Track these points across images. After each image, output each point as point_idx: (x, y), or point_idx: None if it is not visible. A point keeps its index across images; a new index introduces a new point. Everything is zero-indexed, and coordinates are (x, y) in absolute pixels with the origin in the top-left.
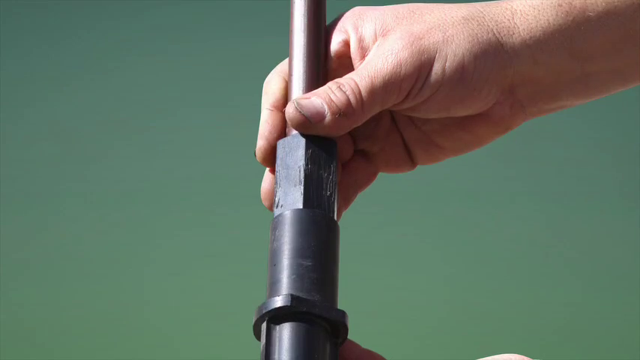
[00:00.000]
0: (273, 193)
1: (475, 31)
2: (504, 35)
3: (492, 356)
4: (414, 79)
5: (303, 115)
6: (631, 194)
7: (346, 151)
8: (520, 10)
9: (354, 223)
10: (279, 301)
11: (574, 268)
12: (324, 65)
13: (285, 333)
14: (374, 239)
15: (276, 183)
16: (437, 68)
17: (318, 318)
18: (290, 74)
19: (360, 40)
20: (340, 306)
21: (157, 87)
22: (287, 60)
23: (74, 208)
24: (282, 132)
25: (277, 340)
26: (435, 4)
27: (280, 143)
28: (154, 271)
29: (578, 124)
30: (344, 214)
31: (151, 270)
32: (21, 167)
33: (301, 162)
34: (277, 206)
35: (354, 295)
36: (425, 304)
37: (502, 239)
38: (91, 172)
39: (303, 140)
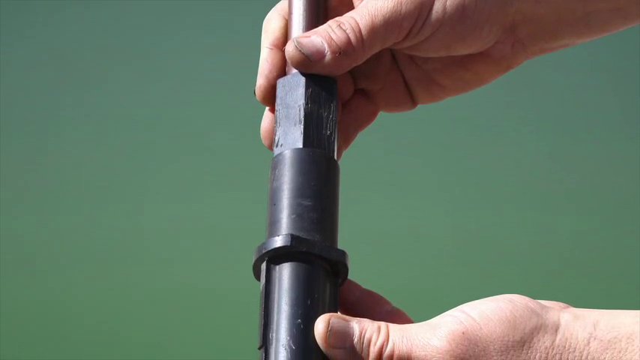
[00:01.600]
0: (272, 132)
1: None
2: None
3: (494, 296)
4: (415, 17)
5: (303, 53)
6: (632, 121)
7: (346, 90)
8: None
9: (354, 151)
10: (278, 241)
11: (575, 195)
12: (324, 4)
13: (284, 273)
14: (374, 167)
15: (275, 122)
16: (437, 6)
17: (318, 258)
18: (290, 12)
19: None
20: (340, 235)
21: (157, 12)
22: None
23: (73, 133)
24: (282, 71)
25: (277, 280)
26: None
27: (280, 82)
28: (154, 197)
29: (579, 51)
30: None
31: (151, 195)
32: (20, 93)
33: (301, 101)
34: (277, 145)
35: (354, 224)
36: (425, 233)
37: (503, 167)
38: (90, 98)
39: (303, 79)
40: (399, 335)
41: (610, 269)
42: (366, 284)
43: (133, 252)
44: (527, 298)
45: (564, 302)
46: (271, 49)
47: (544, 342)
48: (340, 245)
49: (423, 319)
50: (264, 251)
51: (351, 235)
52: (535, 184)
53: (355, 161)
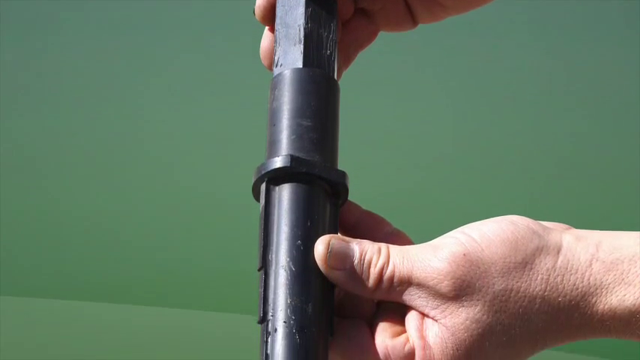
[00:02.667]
0: (272, 52)
1: None
2: None
3: (495, 218)
4: None
5: None
6: (633, 22)
7: (346, 9)
8: None
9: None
10: (278, 162)
11: (577, 97)
12: None
13: (284, 194)
14: (374, 70)
15: (275, 42)
16: None
17: (317, 179)
18: None
19: None
20: (341, 139)
21: None
22: None
23: (73, 35)
24: None
25: (277, 201)
26: None
27: (280, 1)
28: (154, 99)
29: None
30: None
31: (151, 98)
32: None
33: (301, 20)
34: (277, 65)
35: (354, 127)
36: (426, 134)
37: (504, 68)
38: None
39: None
40: (399, 257)
41: (611, 171)
42: (366, 188)
43: (133, 154)
44: (528, 219)
45: (565, 204)
46: None
47: (546, 263)
48: (341, 148)
49: (423, 226)
50: (263, 172)
51: (352, 139)
52: (536, 86)
53: (355, 64)
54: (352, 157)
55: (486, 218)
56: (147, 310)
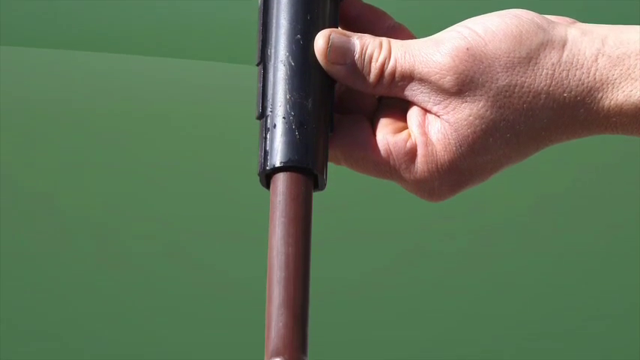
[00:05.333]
0: None
1: None
2: None
3: (499, 12)
4: None
5: None
6: None
7: None
8: None
9: None
10: None
11: None
12: None
13: None
14: None
15: None
16: None
17: None
18: None
19: None
20: None
21: None
22: None
23: None
24: None
25: None
26: None
27: None
28: None
29: None
30: None
31: None
32: None
33: None
34: None
35: None
36: None
37: None
38: None
39: None
40: (401, 51)
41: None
42: None
43: None
44: (533, 13)
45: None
46: None
47: (551, 58)
48: None
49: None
50: None
51: None
52: None
53: None
54: None
55: None
56: (146, 59)
